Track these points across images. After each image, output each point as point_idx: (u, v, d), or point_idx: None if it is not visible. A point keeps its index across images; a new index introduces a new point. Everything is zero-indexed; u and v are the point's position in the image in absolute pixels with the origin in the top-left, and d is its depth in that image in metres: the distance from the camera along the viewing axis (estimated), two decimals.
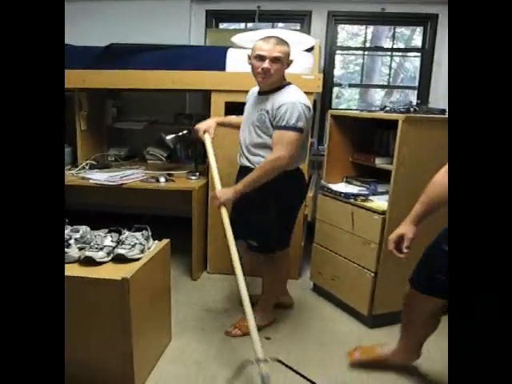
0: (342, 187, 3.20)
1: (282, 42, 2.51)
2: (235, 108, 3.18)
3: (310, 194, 3.36)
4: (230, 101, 3.35)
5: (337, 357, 2.68)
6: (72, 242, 2.30)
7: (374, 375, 2.52)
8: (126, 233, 2.46)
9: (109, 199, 4.13)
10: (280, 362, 2.37)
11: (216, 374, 2.47)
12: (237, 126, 2.86)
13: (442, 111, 3.01)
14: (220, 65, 3.44)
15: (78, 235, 2.39)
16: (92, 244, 2.30)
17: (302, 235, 3.63)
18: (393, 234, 2.16)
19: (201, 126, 2.88)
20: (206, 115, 3.40)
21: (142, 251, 2.36)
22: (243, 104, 2.91)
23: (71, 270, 2.12)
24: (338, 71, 5.05)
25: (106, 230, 2.51)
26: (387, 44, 5.15)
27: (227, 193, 2.58)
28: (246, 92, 3.03)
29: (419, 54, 4.70)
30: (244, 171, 2.66)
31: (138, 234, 2.42)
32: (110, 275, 2.10)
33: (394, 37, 5.02)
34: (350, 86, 5.31)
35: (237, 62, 3.36)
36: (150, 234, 2.53)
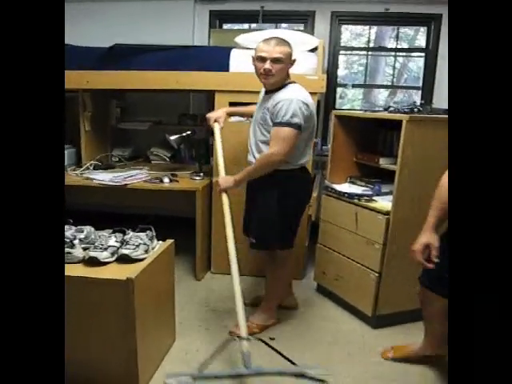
0: (345, 187, 3.20)
1: (282, 42, 2.54)
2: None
3: (314, 194, 3.36)
4: (234, 101, 3.35)
5: (341, 356, 2.68)
6: (76, 242, 2.30)
7: (376, 372, 2.53)
8: (131, 233, 2.46)
9: (113, 199, 4.13)
10: (262, 341, 2.58)
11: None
12: (247, 115, 2.95)
13: (446, 111, 3.00)
14: (224, 65, 3.44)
15: (82, 235, 2.39)
16: (96, 244, 2.30)
17: (306, 235, 3.63)
18: (416, 245, 2.14)
19: (211, 115, 3.00)
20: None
21: (147, 251, 2.36)
22: (247, 104, 3.01)
23: (75, 270, 2.12)
24: (341, 71, 5.04)
25: (111, 231, 2.51)
26: (391, 44, 5.15)
27: (228, 181, 2.71)
28: (250, 92, 3.10)
29: (423, 54, 4.69)
30: None
31: (142, 235, 2.42)
32: (115, 275, 2.10)
33: (397, 37, 5.02)
34: (354, 86, 5.31)
35: (240, 62, 3.37)
36: (154, 234, 2.53)
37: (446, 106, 3.09)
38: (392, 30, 5.07)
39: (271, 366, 2.48)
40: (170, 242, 2.56)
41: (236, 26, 5.04)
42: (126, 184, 3.47)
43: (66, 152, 3.82)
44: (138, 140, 4.64)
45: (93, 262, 2.20)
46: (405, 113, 2.87)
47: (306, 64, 3.29)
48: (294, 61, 2.61)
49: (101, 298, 2.10)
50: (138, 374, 2.18)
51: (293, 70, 2.68)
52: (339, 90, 5.01)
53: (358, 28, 5.28)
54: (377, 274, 2.89)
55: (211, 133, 3.05)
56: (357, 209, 3.00)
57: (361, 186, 3.19)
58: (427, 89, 4.59)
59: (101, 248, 2.26)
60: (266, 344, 2.60)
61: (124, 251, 2.26)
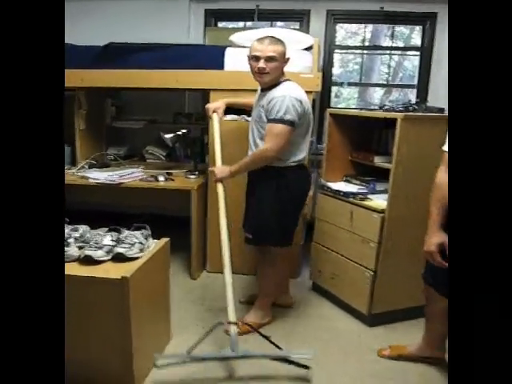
0: (341, 186, 3.20)
1: (275, 41, 2.58)
2: (234, 106, 3.19)
3: (310, 192, 3.36)
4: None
5: (337, 355, 2.69)
6: (71, 240, 2.30)
7: (372, 370, 2.53)
8: (126, 232, 2.46)
9: (108, 198, 4.12)
10: (249, 325, 2.73)
11: (216, 372, 2.47)
12: (246, 106, 3.01)
13: (441, 110, 3.01)
14: (219, 64, 3.44)
15: (77, 234, 2.39)
16: (91, 243, 2.30)
17: (302, 234, 3.63)
18: (430, 246, 2.14)
19: (210, 106, 3.07)
20: (205, 114, 3.41)
21: (142, 250, 2.36)
22: None
23: (70, 269, 2.11)
24: (336, 70, 5.05)
25: (106, 229, 2.51)
26: (386, 43, 5.15)
27: (224, 171, 2.79)
28: (245, 91, 3.10)
29: (418, 53, 4.70)
30: None
31: (137, 233, 2.42)
32: (110, 274, 2.10)
33: (392, 35, 5.02)
34: (349, 84, 5.31)
35: (235, 60, 3.37)
36: (149, 232, 2.53)
37: (440, 104, 3.10)
38: (387, 29, 5.07)
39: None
40: (165, 240, 2.56)
41: (231, 25, 5.04)
42: (121, 183, 3.46)
43: None
44: (133, 139, 4.62)
45: (88, 261, 2.20)
46: (400, 111, 2.88)
47: (302, 62, 3.30)
48: (288, 59, 2.65)
49: (96, 296, 2.09)
50: (133, 372, 2.18)
51: (288, 69, 2.70)
52: (334, 88, 5.01)
53: (354, 26, 5.27)
54: (372, 273, 2.90)
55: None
56: (352, 207, 3.00)
57: (356, 184, 3.19)
58: (422, 87, 4.60)
59: (96, 247, 2.26)
60: (253, 328, 2.72)
61: (119, 250, 2.26)
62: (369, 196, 2.99)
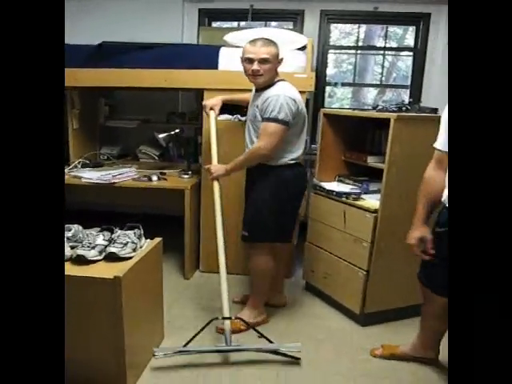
0: (334, 186, 3.20)
1: (268, 42, 2.60)
2: (228, 106, 3.19)
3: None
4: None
5: (329, 354, 2.69)
6: (64, 240, 2.29)
7: (364, 370, 2.54)
8: (118, 231, 2.46)
9: (101, 198, 4.12)
10: (242, 320, 2.81)
11: (208, 372, 2.47)
12: (243, 102, 3.03)
13: (434, 110, 3.01)
14: (213, 63, 3.44)
15: (69, 234, 2.38)
16: (84, 243, 2.29)
17: (295, 234, 3.63)
18: (411, 239, 2.20)
19: (208, 103, 3.12)
20: (198, 114, 3.41)
21: (134, 250, 2.35)
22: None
23: None
24: (330, 70, 5.05)
25: (98, 229, 2.50)
26: (380, 43, 5.16)
27: (220, 169, 2.84)
28: (239, 90, 3.11)
29: (411, 53, 4.71)
30: None
31: (130, 233, 2.42)
32: (102, 274, 2.09)
33: (386, 36, 5.03)
34: (343, 84, 5.32)
35: (229, 60, 3.37)
36: (142, 232, 2.53)
37: (433, 104, 3.11)
38: (381, 29, 5.08)
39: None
40: (158, 240, 2.55)
41: (225, 25, 5.03)
42: (114, 182, 3.46)
43: None
44: (126, 138, 4.62)
45: (80, 261, 2.20)
46: (393, 111, 2.88)
47: (295, 62, 3.30)
48: (282, 60, 2.68)
49: (88, 296, 2.09)
50: (125, 372, 2.18)
51: (282, 69, 2.72)
52: (328, 88, 5.02)
53: (347, 27, 5.28)
54: (365, 272, 2.90)
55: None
56: (345, 207, 3.01)
57: (349, 184, 3.20)
58: (415, 87, 4.62)
59: (88, 246, 2.25)
60: (246, 323, 2.80)
61: (112, 249, 2.26)
62: (362, 196, 3.00)
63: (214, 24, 4.89)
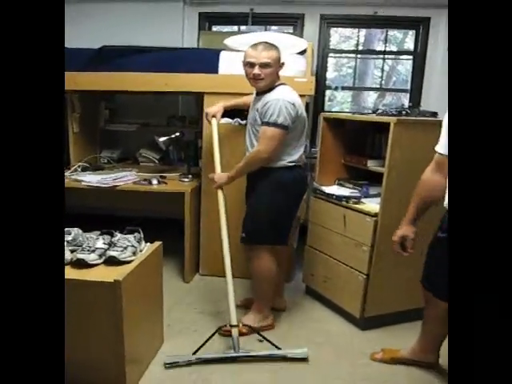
0: (334, 189, 3.21)
1: (269, 47, 2.62)
2: (228, 110, 3.19)
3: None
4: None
5: (329, 358, 2.69)
6: (64, 244, 2.29)
7: (364, 374, 2.54)
8: (118, 235, 2.45)
9: (101, 201, 4.11)
10: (249, 327, 2.82)
11: (209, 377, 2.46)
12: (245, 106, 3.03)
13: (434, 114, 3.02)
14: (213, 67, 3.44)
15: (69, 237, 2.38)
16: (84, 246, 2.29)
17: (295, 237, 3.63)
18: (395, 236, 2.28)
19: (209, 110, 3.13)
20: (198, 118, 3.41)
21: (134, 253, 2.35)
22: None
23: None
24: (330, 74, 5.06)
25: (98, 233, 2.50)
26: (380, 47, 5.16)
27: (222, 177, 2.87)
28: (239, 94, 3.12)
29: (411, 57, 4.72)
30: None
31: (130, 237, 2.42)
32: (102, 277, 2.09)
33: (386, 40, 5.04)
34: (343, 88, 5.33)
35: (229, 64, 3.38)
36: (142, 236, 2.52)
37: (433, 108, 3.12)
38: (381, 33, 5.09)
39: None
40: (158, 244, 2.55)
41: (225, 29, 5.05)
42: (114, 186, 3.46)
43: None
44: (126, 142, 4.62)
45: (80, 264, 2.20)
46: (393, 115, 2.89)
47: (295, 66, 3.30)
48: (283, 64, 2.69)
49: (88, 300, 2.09)
50: (125, 375, 2.17)
51: (282, 73, 2.73)
52: (328, 92, 5.03)
53: (347, 31, 5.29)
54: (365, 276, 2.90)
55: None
56: (345, 211, 3.01)
57: (349, 188, 3.20)
58: (415, 91, 4.63)
59: (88, 250, 2.25)
60: (252, 329, 2.82)
61: (112, 253, 2.26)
62: (362, 200, 3.00)
63: (215, 28, 4.91)
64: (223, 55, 3.45)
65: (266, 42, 2.63)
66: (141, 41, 3.82)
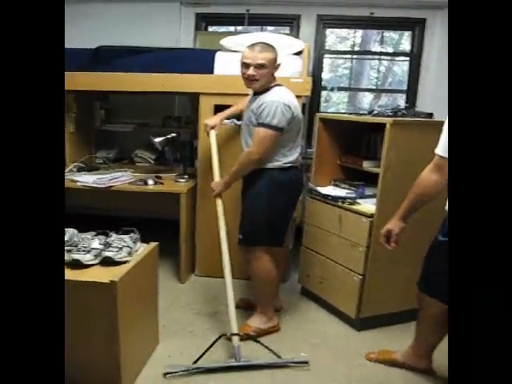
0: (330, 190, 3.21)
1: (266, 48, 2.61)
2: (224, 110, 3.19)
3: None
4: (219, 103, 3.36)
5: (325, 359, 2.69)
6: (64, 244, 2.28)
7: (360, 375, 2.54)
8: (114, 235, 2.45)
9: (97, 202, 4.11)
10: (248, 335, 2.78)
11: (204, 378, 2.46)
12: (241, 113, 3.00)
13: (430, 115, 3.03)
14: (209, 68, 3.44)
15: (65, 238, 2.37)
16: (79, 247, 2.29)
17: (291, 238, 3.63)
18: (383, 228, 2.32)
19: (209, 123, 3.15)
20: (194, 118, 3.41)
21: (130, 254, 2.35)
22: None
23: None
24: (326, 75, 5.07)
25: (94, 233, 2.49)
26: (376, 48, 5.17)
27: (218, 185, 2.91)
28: (235, 95, 3.12)
29: (407, 58, 4.73)
30: None
31: (125, 237, 2.41)
32: (98, 278, 2.09)
33: (382, 41, 5.05)
34: (339, 89, 5.33)
35: (225, 64, 3.38)
36: (138, 236, 2.52)
37: (429, 109, 3.13)
38: (377, 34, 5.10)
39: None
40: (153, 244, 2.55)
41: (222, 29, 5.05)
42: (110, 186, 3.45)
43: None
44: (122, 142, 4.62)
45: (76, 265, 2.19)
46: (389, 116, 2.89)
47: (292, 67, 3.30)
48: (279, 65, 2.68)
49: (84, 300, 2.08)
50: (120, 376, 2.17)
51: (278, 73, 2.73)
52: (324, 93, 5.03)
53: (343, 32, 5.30)
54: (360, 277, 2.90)
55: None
56: (341, 211, 3.01)
57: (345, 188, 3.20)
58: (411, 92, 4.64)
59: (84, 250, 2.25)
60: (252, 338, 2.76)
61: (107, 254, 2.26)
62: (357, 200, 3.00)
63: (211, 28, 4.91)
64: (219, 56, 3.45)
65: (264, 43, 2.62)
66: (137, 41, 3.82)
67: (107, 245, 2.34)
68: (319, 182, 3.29)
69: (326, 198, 3.12)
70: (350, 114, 3.54)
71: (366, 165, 3.05)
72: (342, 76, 5.69)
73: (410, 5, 4.35)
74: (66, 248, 2.31)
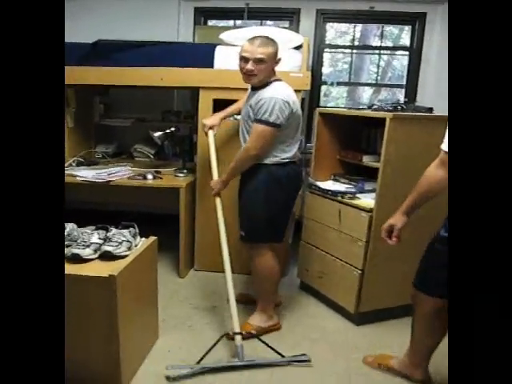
0: (329, 185, 3.21)
1: (266, 42, 2.56)
2: (223, 105, 3.19)
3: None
4: (218, 98, 3.35)
5: (324, 353, 2.69)
6: (64, 239, 2.28)
7: (359, 369, 2.55)
8: (113, 230, 2.45)
9: (96, 196, 4.11)
10: (251, 333, 2.74)
11: (206, 378, 2.45)
12: (238, 111, 3.02)
13: (429, 109, 3.02)
14: (208, 62, 3.43)
15: (64, 232, 2.37)
16: (79, 241, 2.29)
17: (290, 233, 3.63)
18: (385, 223, 2.29)
19: (207, 122, 3.11)
20: (194, 112, 3.40)
21: (129, 248, 2.35)
22: (231, 101, 3.07)
23: None
24: (326, 69, 5.06)
25: (93, 227, 2.49)
26: (375, 42, 5.17)
27: (217, 183, 2.90)
28: (234, 89, 3.11)
29: (407, 53, 4.72)
30: None
31: (125, 232, 2.41)
32: (97, 272, 2.09)
33: (382, 35, 5.04)
34: (339, 84, 5.32)
35: (225, 59, 3.37)
36: (137, 231, 2.52)
37: (429, 104, 3.12)
38: (377, 29, 5.09)
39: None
40: (153, 239, 2.55)
41: (221, 23, 5.03)
42: (109, 181, 3.45)
43: None
44: (121, 136, 4.61)
45: (75, 259, 2.19)
46: (388, 111, 2.89)
47: (291, 61, 3.29)
48: (279, 60, 2.63)
49: (83, 295, 2.08)
50: (120, 371, 2.18)
51: (278, 68, 2.69)
52: (324, 87, 5.02)
53: (343, 26, 5.29)
54: (360, 272, 2.90)
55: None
56: (340, 206, 3.01)
57: (344, 183, 3.20)
58: (411, 87, 4.62)
59: (83, 245, 2.25)
60: (255, 336, 2.72)
61: (107, 248, 2.26)
62: (357, 195, 3.00)
63: (210, 22, 4.89)
64: (218, 50, 3.44)
65: (265, 37, 2.58)
66: (136, 35, 3.80)
67: (107, 239, 2.34)
68: (319, 177, 3.29)
69: (326, 193, 3.12)
70: (350, 108, 3.54)
71: (366, 159, 3.05)
72: (341, 70, 5.69)
73: None
74: (65, 242, 2.31)
